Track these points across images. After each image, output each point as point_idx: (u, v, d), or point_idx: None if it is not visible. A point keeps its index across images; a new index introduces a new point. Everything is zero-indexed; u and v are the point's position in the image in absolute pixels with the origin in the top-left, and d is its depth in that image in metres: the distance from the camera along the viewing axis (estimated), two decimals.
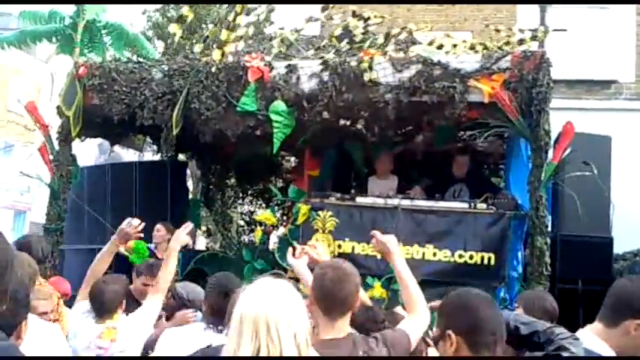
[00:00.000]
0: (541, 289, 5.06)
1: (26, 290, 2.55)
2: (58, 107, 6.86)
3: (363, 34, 6.83)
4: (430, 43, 6.50)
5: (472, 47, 6.39)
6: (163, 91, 6.40)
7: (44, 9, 16.86)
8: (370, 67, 5.92)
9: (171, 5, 19.83)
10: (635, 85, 10.69)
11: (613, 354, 2.33)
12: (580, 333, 2.45)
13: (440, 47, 6.34)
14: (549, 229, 5.66)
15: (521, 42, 6.57)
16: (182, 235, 3.91)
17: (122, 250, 5.15)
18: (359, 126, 6.86)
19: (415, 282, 3.02)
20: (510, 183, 6.34)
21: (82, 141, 7.25)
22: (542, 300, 3.76)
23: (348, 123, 6.58)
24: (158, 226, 6.99)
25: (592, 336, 2.39)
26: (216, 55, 6.39)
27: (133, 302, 4.68)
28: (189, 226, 3.99)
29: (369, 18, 6.82)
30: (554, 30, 7.63)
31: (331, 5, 7.12)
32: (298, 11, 6.81)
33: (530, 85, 5.56)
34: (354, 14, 6.86)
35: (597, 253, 6.22)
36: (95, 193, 8.22)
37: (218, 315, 3.20)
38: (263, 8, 7.22)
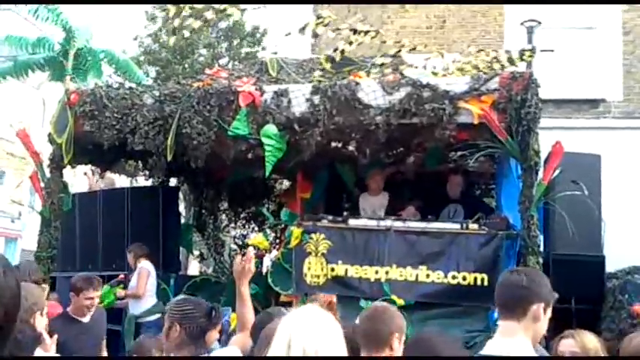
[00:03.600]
0: None
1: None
2: (50, 135, 6.86)
3: (359, 44, 6.83)
4: (426, 66, 6.57)
5: (460, 69, 6.45)
6: (155, 117, 6.41)
7: (31, 34, 16.89)
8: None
9: (163, 31, 19.97)
10: (624, 104, 10.79)
11: (532, 348, 2.45)
12: (499, 343, 2.48)
13: (435, 74, 6.39)
14: (541, 248, 5.67)
15: (510, 62, 6.64)
16: (241, 268, 3.54)
17: None
18: (350, 148, 6.90)
19: None
20: (502, 203, 6.37)
21: (73, 168, 7.24)
22: None
23: (340, 145, 6.61)
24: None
25: (514, 340, 2.44)
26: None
27: (72, 322, 4.71)
28: (247, 255, 3.64)
29: (367, 32, 6.83)
30: (542, 50, 7.73)
31: (326, 16, 7.11)
32: (290, 32, 6.77)
33: (519, 106, 5.61)
34: (354, 32, 6.86)
35: (589, 271, 6.24)
36: (87, 220, 8.20)
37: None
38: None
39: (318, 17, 6.91)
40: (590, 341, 3.34)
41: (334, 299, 4.69)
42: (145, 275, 7.06)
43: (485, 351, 2.48)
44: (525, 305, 2.44)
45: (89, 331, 4.95)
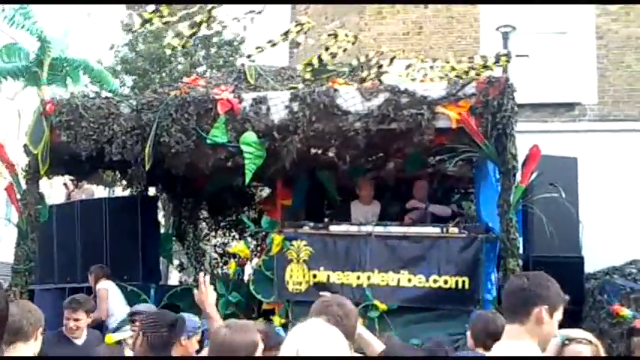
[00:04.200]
0: (493, 310, 5.04)
1: None
2: (25, 145, 6.76)
3: (332, 55, 6.86)
4: (408, 66, 6.61)
5: (440, 77, 6.51)
6: (132, 126, 6.35)
7: (4, 42, 16.64)
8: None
9: (140, 40, 19.84)
10: (598, 107, 10.95)
11: (539, 351, 2.46)
12: (504, 345, 2.49)
13: (413, 79, 6.43)
14: (521, 250, 5.73)
15: (485, 67, 6.71)
16: (199, 297, 3.53)
17: None
18: (330, 154, 6.91)
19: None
20: (480, 206, 6.41)
21: (50, 179, 7.14)
22: (485, 322, 3.80)
23: (320, 152, 6.62)
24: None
25: (517, 343, 2.45)
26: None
27: (66, 342, 4.65)
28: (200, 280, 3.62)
29: (342, 39, 6.85)
30: (517, 55, 7.82)
31: (305, 23, 7.11)
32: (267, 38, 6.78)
33: (496, 110, 5.66)
34: (335, 36, 6.87)
35: (569, 272, 6.28)
36: (65, 231, 8.09)
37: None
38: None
39: (298, 24, 6.92)
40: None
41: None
42: (104, 297, 6.91)
43: (492, 354, 2.49)
44: (528, 308, 2.45)
45: (83, 352, 4.87)
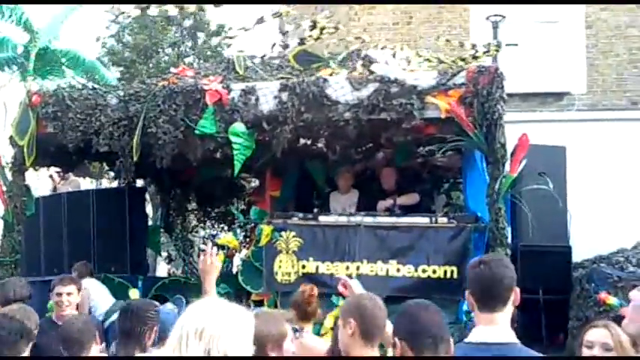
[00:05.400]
0: None
1: None
2: (11, 137, 6.69)
3: (316, 39, 6.82)
4: (393, 55, 6.58)
5: (428, 60, 6.48)
6: (119, 117, 6.30)
7: None
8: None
9: (127, 30, 19.67)
10: (587, 96, 10.98)
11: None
12: (498, 331, 2.51)
13: (409, 62, 6.38)
14: (509, 240, 5.73)
15: (475, 57, 6.69)
16: (205, 264, 3.39)
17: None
18: (320, 145, 6.89)
19: None
20: (468, 196, 6.41)
21: (36, 170, 7.08)
22: None
23: (309, 142, 6.59)
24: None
25: (509, 331, 2.50)
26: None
27: (52, 325, 4.59)
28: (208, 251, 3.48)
29: (324, 28, 6.82)
30: (507, 45, 7.81)
31: (284, 11, 7.07)
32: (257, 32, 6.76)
33: (485, 100, 5.66)
34: (313, 25, 6.84)
35: (556, 262, 6.33)
36: (51, 223, 8.03)
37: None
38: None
39: (276, 13, 6.91)
40: (622, 334, 3.19)
41: (315, 291, 4.63)
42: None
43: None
44: (510, 293, 2.56)
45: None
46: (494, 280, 2.50)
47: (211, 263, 3.34)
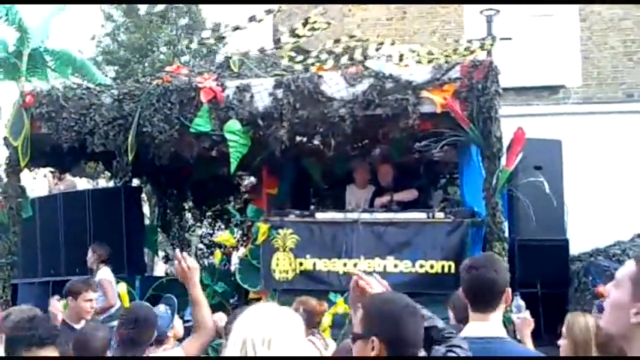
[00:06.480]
0: None
1: None
2: (5, 138, 6.67)
3: (309, 37, 6.80)
4: (380, 47, 6.56)
5: (419, 56, 6.45)
6: (114, 116, 6.28)
7: None
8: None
9: (122, 29, 19.60)
10: (582, 90, 10.98)
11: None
12: (489, 327, 2.60)
13: (401, 58, 6.35)
14: (506, 234, 5.74)
15: (470, 51, 6.67)
16: (181, 269, 3.18)
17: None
18: (316, 142, 6.87)
19: None
20: (465, 191, 6.41)
21: (31, 171, 7.06)
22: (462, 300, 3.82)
23: (305, 139, 6.57)
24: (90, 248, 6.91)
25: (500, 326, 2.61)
26: None
27: (67, 330, 4.54)
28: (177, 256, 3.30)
29: (315, 22, 6.79)
30: (501, 39, 7.79)
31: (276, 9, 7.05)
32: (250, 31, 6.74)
33: (480, 94, 5.65)
34: (305, 22, 6.81)
35: (554, 255, 6.33)
36: (47, 224, 8.01)
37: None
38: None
39: (269, 11, 6.89)
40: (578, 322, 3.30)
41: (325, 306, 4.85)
42: (109, 286, 6.65)
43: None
44: (501, 295, 2.65)
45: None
46: (485, 288, 2.59)
47: (186, 269, 3.12)
